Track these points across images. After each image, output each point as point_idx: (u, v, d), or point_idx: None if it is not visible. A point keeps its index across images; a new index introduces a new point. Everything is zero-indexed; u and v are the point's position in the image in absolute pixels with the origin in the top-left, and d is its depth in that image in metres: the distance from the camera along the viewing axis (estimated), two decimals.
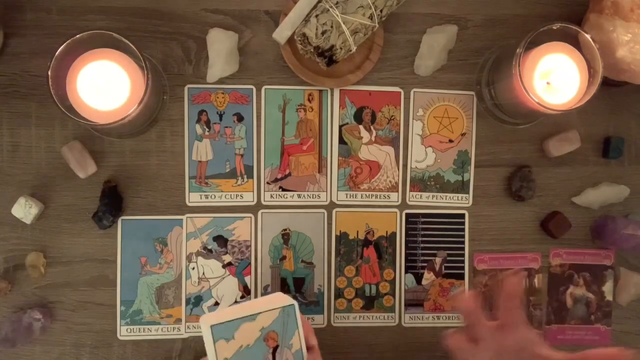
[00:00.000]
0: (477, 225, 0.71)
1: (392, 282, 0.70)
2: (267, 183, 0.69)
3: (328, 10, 0.63)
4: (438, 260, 0.71)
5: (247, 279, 0.69)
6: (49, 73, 0.55)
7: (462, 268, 0.71)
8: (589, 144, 0.72)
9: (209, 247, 0.68)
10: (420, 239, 0.71)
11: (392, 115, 0.70)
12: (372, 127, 0.70)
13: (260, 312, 0.49)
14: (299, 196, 0.69)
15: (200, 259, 0.68)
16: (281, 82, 0.69)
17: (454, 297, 0.66)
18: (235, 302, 0.68)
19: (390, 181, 0.70)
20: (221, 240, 0.68)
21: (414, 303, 0.71)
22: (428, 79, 0.70)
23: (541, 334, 0.53)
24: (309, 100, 0.69)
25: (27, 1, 0.66)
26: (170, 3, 0.67)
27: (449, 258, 0.71)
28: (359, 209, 0.70)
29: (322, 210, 0.70)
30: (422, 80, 0.70)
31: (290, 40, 0.67)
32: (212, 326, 0.48)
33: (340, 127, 0.70)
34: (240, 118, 0.68)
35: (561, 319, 0.72)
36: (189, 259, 0.68)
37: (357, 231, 0.70)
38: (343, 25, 0.62)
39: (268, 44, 0.68)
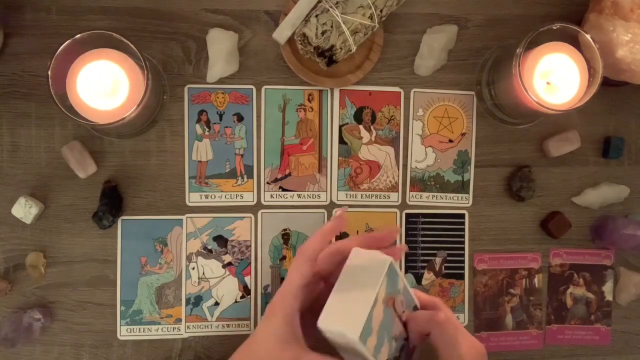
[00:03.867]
0: (477, 225, 0.71)
1: None
2: (267, 183, 0.69)
3: (328, 10, 0.63)
4: (438, 260, 0.71)
5: (247, 279, 0.69)
6: (49, 73, 0.55)
7: (462, 268, 0.71)
8: (589, 144, 0.72)
9: (209, 247, 0.68)
10: (420, 239, 0.71)
11: (392, 115, 0.70)
12: (372, 127, 0.70)
13: (376, 291, 0.48)
14: (299, 196, 0.69)
15: (200, 259, 0.68)
16: (281, 82, 0.69)
17: None
18: (235, 302, 0.68)
19: (390, 181, 0.70)
20: (221, 240, 0.68)
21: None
22: (428, 79, 0.70)
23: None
24: (309, 100, 0.69)
25: (27, 1, 0.66)
26: (170, 3, 0.67)
27: (449, 258, 0.71)
28: (359, 209, 0.70)
29: (322, 210, 0.70)
30: (422, 80, 0.70)
31: (290, 40, 0.67)
32: (358, 339, 0.46)
33: (340, 127, 0.70)
34: (240, 118, 0.68)
35: (561, 319, 0.72)
36: (189, 259, 0.68)
37: (357, 231, 0.70)
38: (343, 25, 0.62)
39: (268, 44, 0.68)
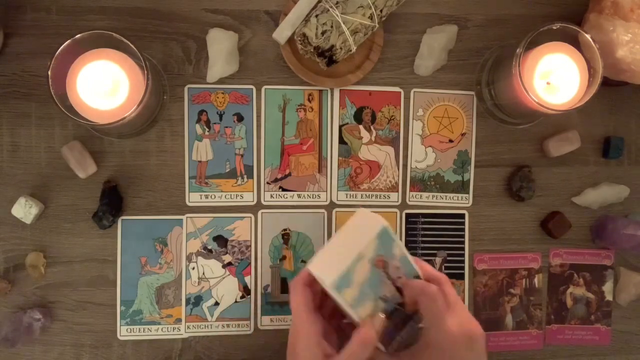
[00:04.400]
0: (477, 225, 0.71)
1: None
2: (267, 183, 0.69)
3: (328, 10, 0.63)
4: (438, 260, 0.71)
5: (247, 279, 0.69)
6: (49, 73, 0.55)
7: (462, 268, 0.71)
8: (589, 144, 0.72)
9: (209, 247, 0.68)
10: (420, 239, 0.71)
11: (392, 115, 0.70)
12: (372, 127, 0.70)
13: (362, 250, 0.52)
14: (299, 196, 0.69)
15: (200, 259, 0.68)
16: (281, 82, 0.69)
17: None
18: (235, 302, 0.68)
19: (390, 181, 0.70)
20: (221, 240, 0.68)
21: None
22: (428, 79, 0.70)
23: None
24: (309, 100, 0.69)
25: (27, 1, 0.66)
26: (170, 3, 0.67)
27: (449, 258, 0.71)
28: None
29: (322, 210, 0.70)
30: (422, 80, 0.70)
31: (290, 40, 0.67)
32: (332, 285, 0.51)
33: (340, 127, 0.70)
34: (240, 118, 0.68)
35: (561, 319, 0.72)
36: (189, 259, 0.68)
37: None
38: (343, 25, 0.62)
39: (268, 44, 0.68)
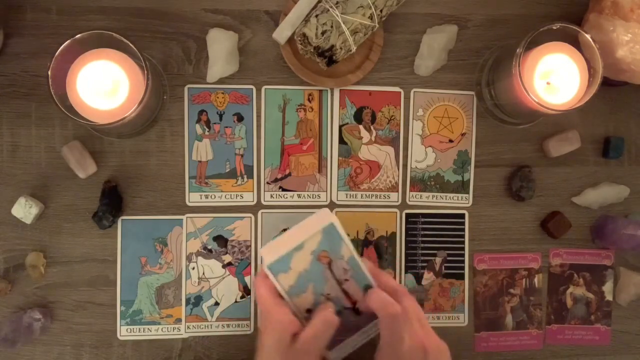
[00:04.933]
0: (477, 225, 0.71)
1: None
2: (267, 183, 0.69)
3: (328, 10, 0.63)
4: (438, 260, 0.71)
5: (247, 279, 0.69)
6: (49, 73, 0.55)
7: (462, 268, 0.71)
8: (589, 144, 0.72)
9: (209, 247, 0.68)
10: (420, 239, 0.71)
11: (392, 115, 0.70)
12: (372, 127, 0.70)
13: (305, 240, 0.55)
14: (299, 196, 0.69)
15: (200, 259, 0.68)
16: (281, 82, 0.69)
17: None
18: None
19: (390, 181, 0.70)
20: (221, 240, 0.68)
21: None
22: (428, 79, 0.70)
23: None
24: (309, 100, 0.69)
25: (27, 1, 0.66)
26: (170, 3, 0.67)
27: (449, 258, 0.71)
28: (359, 209, 0.70)
29: None
30: (422, 80, 0.70)
31: (290, 40, 0.67)
32: (269, 266, 0.54)
33: (340, 127, 0.70)
34: (240, 118, 0.68)
35: (561, 319, 0.72)
36: (189, 259, 0.68)
37: (357, 231, 0.70)
38: (343, 25, 0.62)
39: (268, 44, 0.68)
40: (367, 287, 0.56)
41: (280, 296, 0.55)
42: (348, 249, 0.55)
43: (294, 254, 0.54)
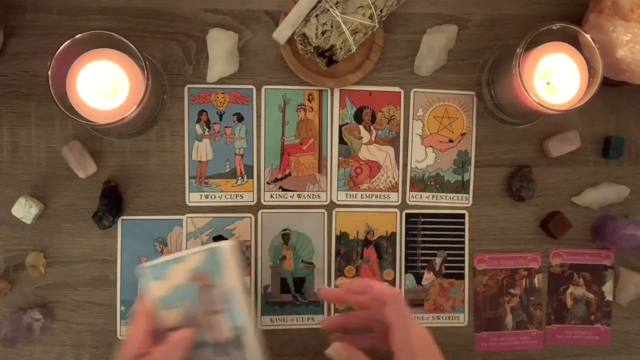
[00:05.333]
0: (477, 225, 0.71)
1: (392, 282, 0.70)
2: (267, 183, 0.69)
3: (328, 10, 0.63)
4: (438, 260, 0.71)
5: (247, 279, 0.69)
6: (49, 73, 0.55)
7: (462, 268, 0.71)
8: (589, 144, 0.72)
9: None
10: (420, 239, 0.71)
11: (392, 115, 0.70)
12: (372, 127, 0.70)
13: (189, 255, 0.53)
14: (299, 196, 0.69)
15: None
16: (281, 82, 0.69)
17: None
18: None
19: (390, 181, 0.70)
20: (221, 240, 0.68)
21: (414, 303, 0.71)
22: (428, 79, 0.70)
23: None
24: (309, 100, 0.69)
25: (27, 1, 0.66)
26: (170, 3, 0.67)
27: (449, 258, 0.71)
28: (359, 209, 0.70)
29: (322, 210, 0.70)
30: (422, 80, 0.70)
31: (290, 40, 0.67)
32: (144, 267, 0.53)
33: (340, 127, 0.70)
34: (240, 118, 0.68)
35: (561, 319, 0.72)
36: None
37: (357, 231, 0.70)
38: (343, 25, 0.62)
39: (268, 44, 0.68)
40: (239, 329, 0.53)
41: (148, 316, 0.53)
42: (232, 280, 0.52)
43: (173, 265, 0.52)
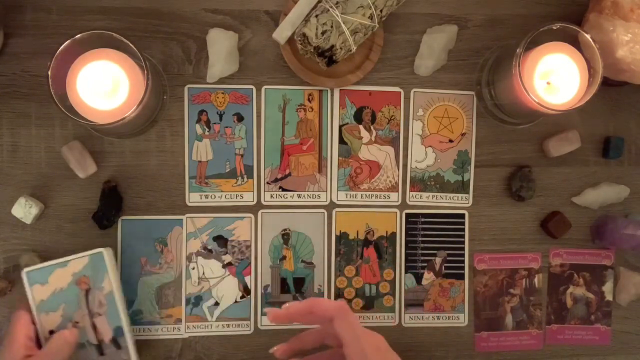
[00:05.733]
0: (477, 225, 0.71)
1: (392, 282, 0.70)
2: (267, 183, 0.69)
3: (328, 10, 0.63)
4: (438, 260, 0.71)
5: (247, 279, 0.69)
6: (49, 73, 0.55)
7: (462, 268, 0.71)
8: (589, 144, 0.72)
9: (209, 247, 0.68)
10: (420, 239, 0.71)
11: (392, 115, 0.70)
12: (372, 127, 0.70)
13: (71, 260, 0.58)
14: (299, 196, 0.69)
15: (200, 259, 0.68)
16: (281, 82, 0.69)
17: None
18: (235, 302, 0.68)
19: (390, 181, 0.70)
20: (221, 240, 0.68)
21: (414, 303, 0.71)
22: (428, 79, 0.70)
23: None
24: (309, 100, 0.69)
25: (27, 1, 0.66)
26: (170, 3, 0.67)
27: (449, 258, 0.71)
28: (359, 209, 0.70)
29: (322, 210, 0.70)
30: (422, 80, 0.70)
31: (290, 40, 0.67)
32: (27, 272, 0.58)
33: (340, 127, 0.70)
34: (240, 118, 0.68)
35: (561, 319, 0.72)
36: (189, 259, 0.68)
37: (357, 231, 0.70)
38: (343, 25, 0.62)
39: (268, 44, 0.68)
40: (119, 330, 0.59)
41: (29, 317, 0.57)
42: (110, 282, 0.58)
43: (55, 268, 0.57)
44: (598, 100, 0.66)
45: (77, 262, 0.58)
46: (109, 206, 0.65)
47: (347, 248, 0.70)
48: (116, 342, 0.61)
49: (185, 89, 0.68)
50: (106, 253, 0.60)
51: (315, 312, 0.54)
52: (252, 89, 0.68)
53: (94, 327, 0.58)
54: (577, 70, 0.63)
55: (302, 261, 0.69)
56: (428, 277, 0.71)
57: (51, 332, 0.57)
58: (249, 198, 0.69)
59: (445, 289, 0.71)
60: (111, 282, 0.58)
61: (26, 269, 0.58)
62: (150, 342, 0.67)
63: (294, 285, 0.69)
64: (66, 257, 0.58)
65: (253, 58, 0.68)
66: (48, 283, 0.57)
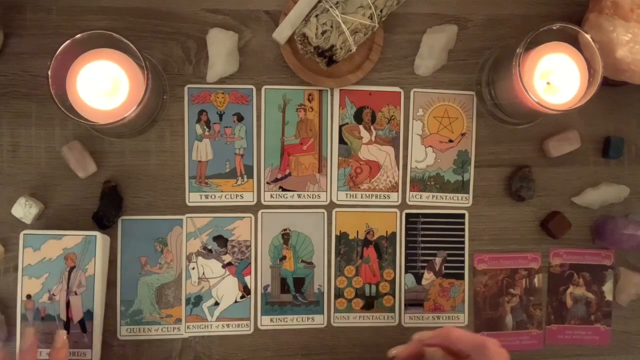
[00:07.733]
0: (477, 225, 0.71)
1: (392, 282, 0.71)
2: (267, 183, 0.69)
3: (328, 10, 0.63)
4: (438, 260, 0.71)
5: (247, 279, 0.69)
6: (49, 73, 0.55)
7: (462, 268, 0.71)
8: (589, 144, 0.72)
9: (209, 247, 0.68)
10: (420, 239, 0.71)
11: (392, 115, 0.70)
12: (372, 127, 0.70)
13: (66, 235, 0.61)
14: (299, 196, 0.69)
15: (200, 259, 0.68)
16: (281, 82, 0.69)
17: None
18: (235, 302, 0.68)
19: (390, 181, 0.70)
20: (221, 240, 0.68)
21: (414, 303, 0.71)
22: (428, 79, 0.70)
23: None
24: (309, 100, 0.69)
25: (27, 1, 0.66)
26: (170, 3, 0.67)
27: (449, 258, 0.71)
28: (359, 209, 0.70)
29: (322, 210, 0.70)
30: (422, 80, 0.70)
31: (290, 40, 0.67)
32: (25, 234, 0.61)
33: (340, 127, 0.70)
34: (240, 118, 0.68)
35: (561, 319, 0.72)
36: (189, 259, 0.68)
37: (357, 231, 0.70)
38: (343, 25, 0.62)
39: (268, 44, 0.68)
40: (89, 314, 0.61)
41: None
42: (94, 266, 0.60)
43: (49, 239, 0.61)
44: (598, 100, 0.66)
45: (71, 239, 0.61)
46: (109, 206, 0.65)
47: (347, 248, 0.70)
48: (83, 324, 0.62)
49: (185, 89, 0.68)
50: (100, 238, 0.62)
51: (446, 344, 0.53)
52: (252, 89, 0.68)
53: (68, 304, 0.61)
54: (577, 70, 0.63)
55: (302, 261, 0.69)
56: (428, 277, 0.71)
57: (28, 297, 0.60)
58: (249, 198, 0.69)
59: (445, 289, 0.71)
60: (95, 266, 0.61)
61: (25, 231, 0.61)
62: (150, 342, 0.67)
63: (294, 285, 0.69)
64: (63, 230, 0.61)
65: (253, 58, 0.68)
66: (39, 250, 0.60)
